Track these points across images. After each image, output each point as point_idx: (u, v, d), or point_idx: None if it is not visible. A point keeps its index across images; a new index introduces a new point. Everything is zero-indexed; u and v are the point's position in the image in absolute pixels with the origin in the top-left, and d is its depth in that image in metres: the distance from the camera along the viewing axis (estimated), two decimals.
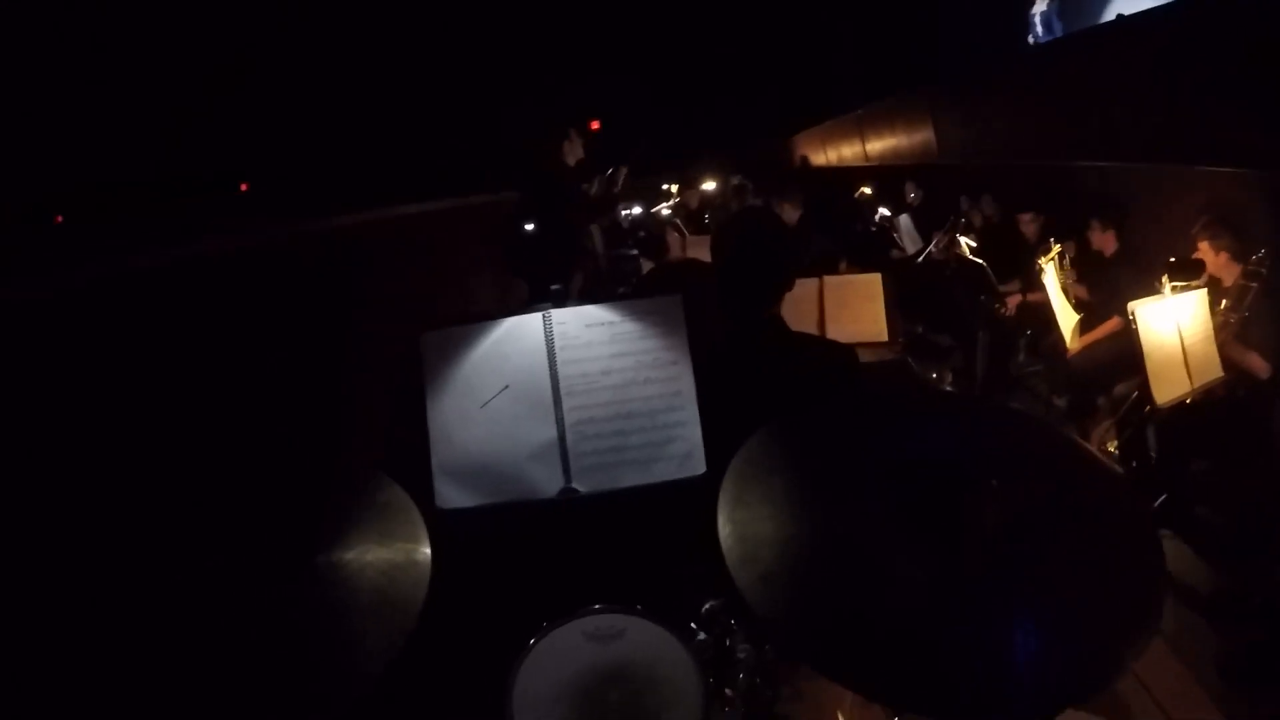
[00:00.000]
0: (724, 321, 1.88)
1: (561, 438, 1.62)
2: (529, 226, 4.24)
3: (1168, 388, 3.05)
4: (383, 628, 1.03)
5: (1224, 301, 3.39)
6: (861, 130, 11.96)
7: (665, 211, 8.66)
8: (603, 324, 1.67)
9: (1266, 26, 3.53)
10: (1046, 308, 4.44)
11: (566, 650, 1.30)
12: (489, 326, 1.67)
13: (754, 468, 1.17)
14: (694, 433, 1.61)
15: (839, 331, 3.52)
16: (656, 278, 3.45)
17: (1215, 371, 3.18)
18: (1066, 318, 4.32)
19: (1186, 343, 3.10)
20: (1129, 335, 3.11)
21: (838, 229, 6.69)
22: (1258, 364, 3.24)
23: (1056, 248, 4.48)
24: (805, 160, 14.55)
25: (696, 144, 13.35)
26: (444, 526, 1.43)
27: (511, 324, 1.68)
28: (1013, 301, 5.16)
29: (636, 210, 9.53)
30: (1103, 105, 5.20)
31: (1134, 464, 3.69)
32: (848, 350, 1.93)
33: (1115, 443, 3.96)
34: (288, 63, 17.72)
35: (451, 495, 1.58)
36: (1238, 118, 3.79)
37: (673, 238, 5.23)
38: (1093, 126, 5.33)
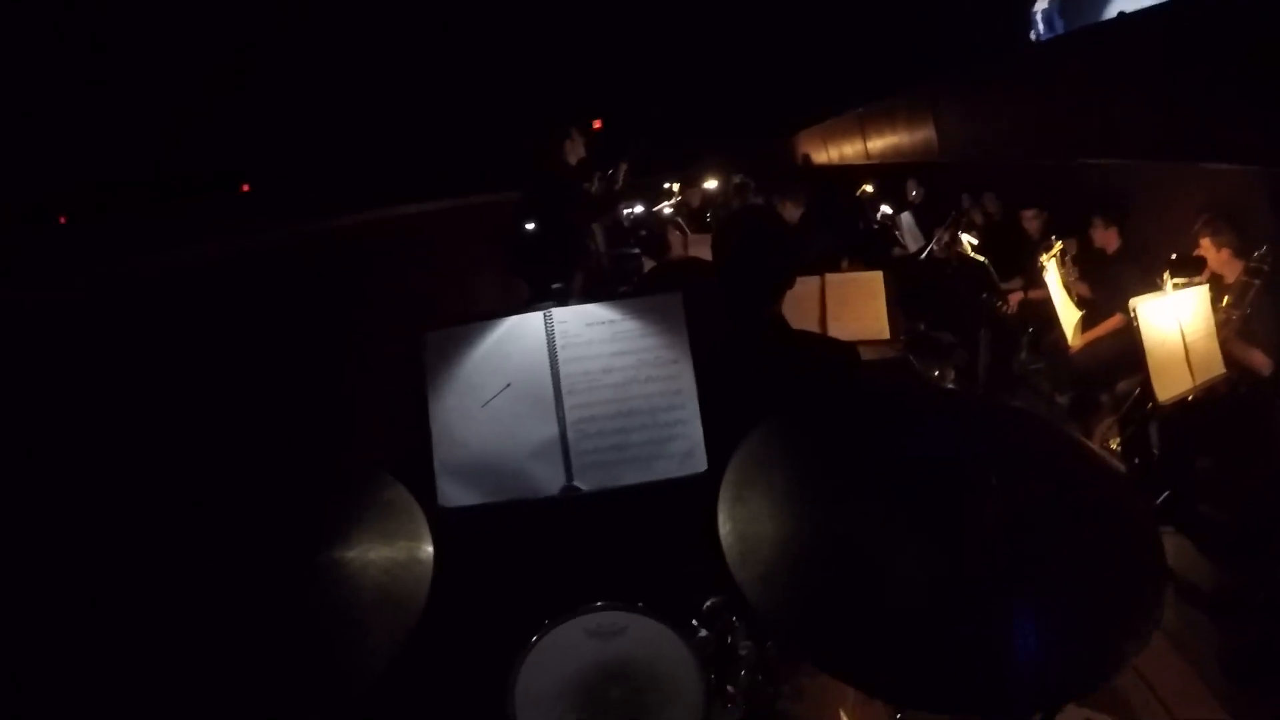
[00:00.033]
0: (725, 320, 1.89)
1: (563, 436, 1.62)
2: (530, 226, 4.24)
3: (1169, 385, 3.04)
4: (385, 625, 1.03)
5: (1226, 298, 3.39)
6: (863, 128, 11.95)
7: (667, 210, 8.65)
8: (604, 322, 1.67)
9: (1267, 23, 3.53)
10: (1048, 305, 4.44)
11: (568, 647, 1.30)
12: (491, 325, 1.68)
13: (754, 465, 1.17)
14: (695, 430, 1.62)
15: (841, 329, 3.52)
16: (658, 276, 3.45)
17: (1217, 368, 3.18)
18: (1068, 315, 4.32)
19: (1188, 340, 3.10)
20: (1131, 332, 3.11)
21: (840, 227, 6.69)
22: (1260, 361, 3.23)
23: (1058, 245, 4.48)
24: (807, 158, 14.55)
25: (698, 143, 13.34)
26: (446, 525, 1.44)
27: (513, 323, 1.68)
28: (1014, 299, 5.16)
29: (638, 209, 9.52)
30: (1104, 103, 5.20)
31: (1136, 461, 3.69)
32: (849, 348, 1.94)
33: (1118, 440, 3.96)
34: (288, 63, 17.73)
35: (454, 493, 1.58)
36: (1239, 115, 3.79)
37: (674, 236, 5.23)
38: (1094, 124, 5.32)
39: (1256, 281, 3.30)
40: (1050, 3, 8.66)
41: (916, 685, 0.93)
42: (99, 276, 2.13)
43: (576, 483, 1.60)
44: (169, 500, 1.28)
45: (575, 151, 4.54)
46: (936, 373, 5.18)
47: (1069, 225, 4.85)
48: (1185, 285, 3.21)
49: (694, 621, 1.38)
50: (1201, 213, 3.66)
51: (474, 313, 1.71)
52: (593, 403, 1.64)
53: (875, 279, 3.70)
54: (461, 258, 5.05)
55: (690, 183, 9.13)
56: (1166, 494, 3.43)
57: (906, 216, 7.02)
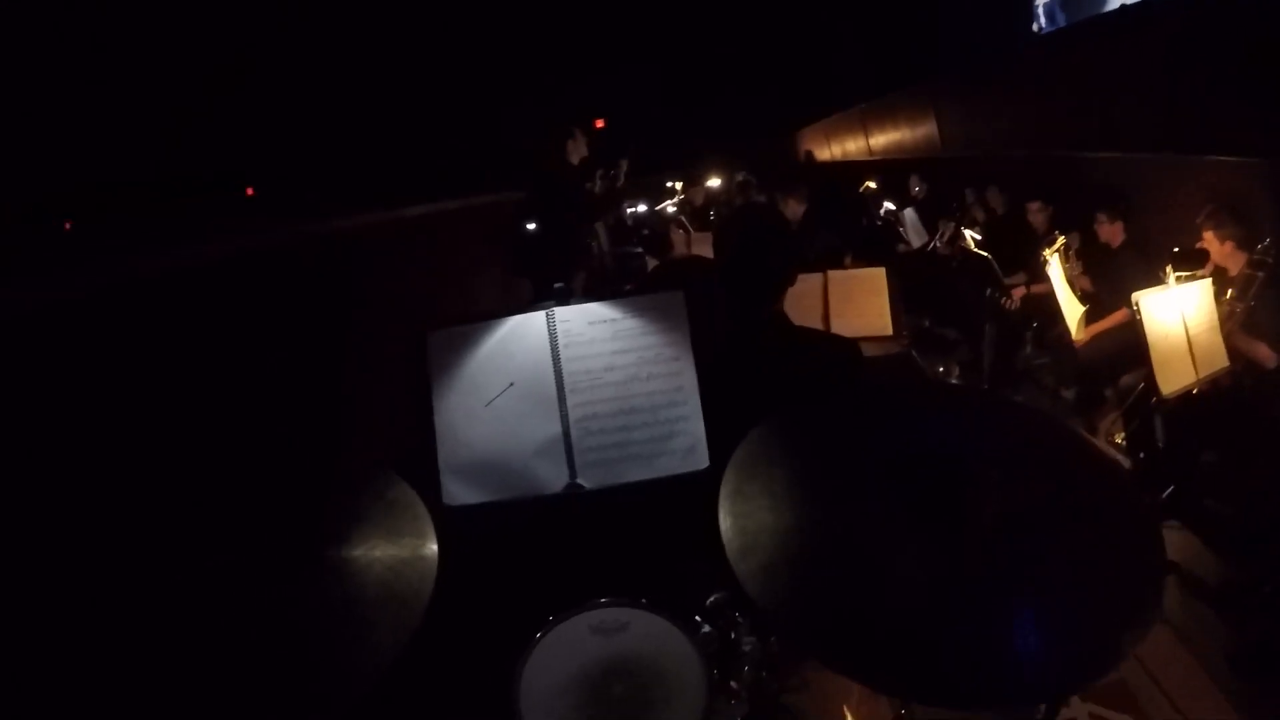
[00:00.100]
0: (727, 317, 1.89)
1: (566, 434, 1.63)
2: (531, 226, 4.26)
3: (1173, 378, 3.03)
4: (390, 623, 1.04)
5: (1230, 291, 3.38)
6: (865, 125, 11.95)
7: (670, 209, 8.64)
8: (605, 321, 1.68)
9: (1267, 19, 3.52)
10: (1051, 299, 4.43)
11: (572, 643, 1.31)
12: (493, 325, 1.69)
13: (755, 461, 1.18)
14: (697, 427, 1.62)
15: (844, 326, 3.53)
16: (660, 275, 3.46)
17: (1221, 361, 3.17)
18: (1071, 309, 4.31)
19: (1191, 333, 3.09)
20: (1134, 326, 3.11)
21: (843, 224, 6.69)
22: (1264, 353, 3.22)
23: (1061, 239, 4.47)
24: (810, 155, 14.54)
25: (701, 141, 13.34)
26: (451, 523, 1.45)
27: (515, 322, 1.69)
28: (1017, 293, 5.15)
29: (641, 208, 9.53)
30: (1105, 96, 5.19)
31: (1141, 455, 3.68)
32: (851, 345, 1.94)
33: (1122, 434, 3.95)
34: (289, 64, 17.76)
35: (458, 492, 1.59)
36: (1242, 107, 3.78)
37: (677, 235, 5.24)
38: (1095, 118, 5.32)
39: (1260, 274, 3.28)
40: None
41: (917, 679, 0.94)
42: (101, 277, 2.14)
43: (580, 480, 1.61)
44: (174, 499, 1.29)
45: (578, 151, 4.55)
46: (941, 369, 5.18)
47: (1074, 218, 4.84)
48: (1188, 278, 3.20)
49: (697, 617, 1.39)
50: (1205, 205, 3.65)
51: (477, 312, 1.72)
52: (595, 401, 1.64)
53: (878, 275, 3.71)
54: (463, 258, 5.06)
55: (693, 181, 9.12)
56: (1172, 488, 3.42)
57: (910, 212, 7.01)
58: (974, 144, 7.93)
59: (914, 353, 3.89)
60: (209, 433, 2.12)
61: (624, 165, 4.97)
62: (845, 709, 1.49)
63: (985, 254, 5.23)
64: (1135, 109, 4.82)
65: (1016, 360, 5.41)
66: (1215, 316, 3.18)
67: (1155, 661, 2.53)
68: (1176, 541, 3.26)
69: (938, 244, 6.14)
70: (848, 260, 5.05)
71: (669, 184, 10.24)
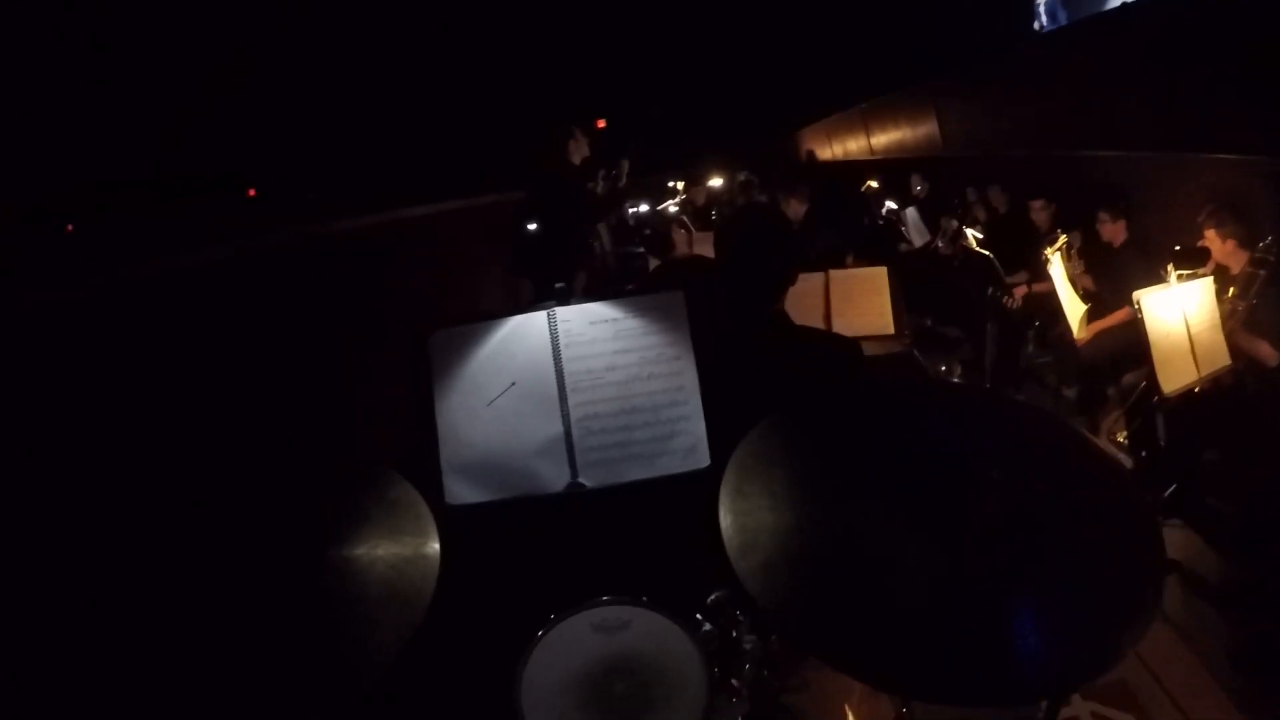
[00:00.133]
0: (729, 317, 1.90)
1: (568, 433, 1.63)
2: (532, 226, 4.26)
3: (1175, 376, 3.03)
4: (393, 621, 1.04)
5: (1231, 289, 3.38)
6: (866, 124, 11.94)
7: (672, 209, 8.64)
8: (606, 321, 1.69)
9: (1270, 12, 3.52)
10: (1053, 298, 4.43)
11: (574, 642, 1.31)
12: (495, 325, 1.69)
13: (755, 459, 1.18)
14: (698, 426, 1.63)
15: (845, 325, 3.53)
16: (662, 275, 3.46)
17: (1223, 360, 3.17)
18: (1073, 308, 4.31)
19: (1193, 331, 3.09)
20: (1137, 324, 3.10)
21: (844, 223, 6.68)
22: (1266, 351, 3.22)
23: (1063, 238, 4.47)
24: (811, 155, 14.54)
25: (702, 141, 13.34)
26: (453, 522, 1.46)
27: (517, 322, 1.69)
28: (1019, 292, 5.15)
29: (643, 208, 9.52)
30: (1106, 95, 5.19)
31: (1143, 454, 3.68)
32: (852, 344, 1.94)
33: (1124, 433, 3.95)
34: (289, 64, 17.77)
35: (460, 491, 1.59)
36: (1243, 105, 3.78)
37: (679, 235, 5.23)
38: (1096, 116, 5.31)
39: (1262, 272, 3.28)
40: None
41: (918, 677, 0.94)
42: (103, 278, 2.15)
43: (581, 479, 1.62)
44: (177, 499, 1.30)
45: (579, 151, 4.56)
46: (943, 367, 5.18)
47: (1076, 217, 4.84)
48: (1190, 277, 3.20)
49: (698, 616, 1.39)
50: (1206, 204, 3.65)
51: (478, 312, 1.73)
52: (596, 400, 1.65)
53: (879, 274, 3.71)
54: (465, 258, 5.07)
55: (695, 181, 9.12)
56: (1174, 487, 3.42)
57: (911, 211, 7.01)
58: (975, 143, 7.93)
59: (916, 352, 3.89)
60: (212, 432, 2.12)
61: (625, 166, 4.97)
62: (846, 708, 1.49)
63: (987, 253, 5.22)
64: (1136, 107, 4.82)
65: (1019, 359, 5.40)
66: (1217, 315, 3.18)
67: (1157, 660, 2.53)
68: (1178, 540, 3.26)
69: (939, 243, 6.13)
70: (849, 259, 5.05)
71: (671, 184, 10.24)
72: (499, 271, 5.17)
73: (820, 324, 3.58)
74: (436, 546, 1.15)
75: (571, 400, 1.65)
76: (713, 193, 9.34)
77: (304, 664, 1.00)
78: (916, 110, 9.51)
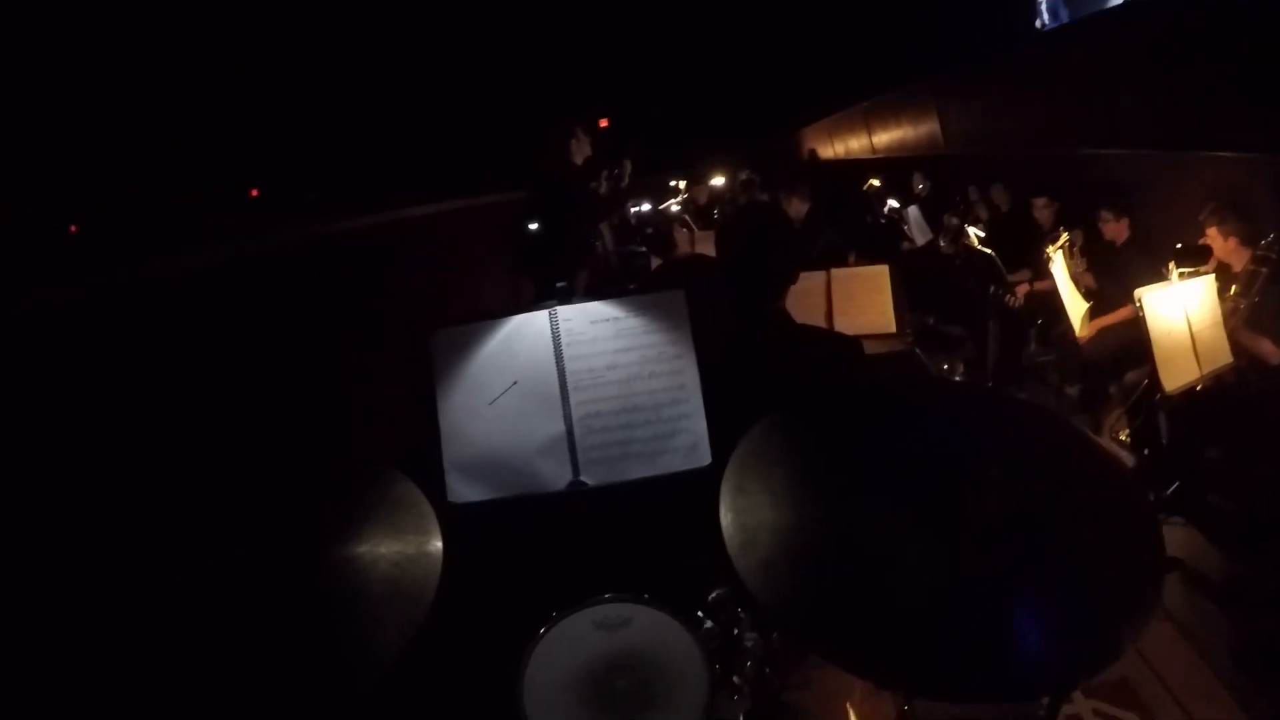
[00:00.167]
0: (730, 316, 1.90)
1: (569, 432, 1.64)
2: (533, 226, 4.26)
3: (1176, 374, 3.03)
4: (396, 618, 1.05)
5: (1233, 287, 3.37)
6: (868, 122, 11.93)
7: (674, 208, 8.65)
8: (607, 320, 1.69)
9: (1271, 9, 3.51)
10: (1055, 296, 4.42)
11: (576, 639, 1.32)
12: (497, 324, 1.70)
13: (756, 457, 1.19)
14: (699, 425, 1.64)
15: (847, 324, 3.53)
16: (663, 274, 3.47)
17: (1224, 358, 3.17)
18: (1075, 306, 4.31)
19: (1195, 329, 3.09)
20: (1139, 322, 3.10)
21: (846, 222, 6.68)
22: (1268, 349, 3.22)
23: (1064, 236, 4.47)
24: (813, 153, 14.52)
25: (704, 140, 13.34)
26: (456, 520, 1.46)
27: (519, 321, 1.70)
28: (1021, 291, 5.14)
29: (645, 207, 9.53)
30: (1107, 92, 5.18)
31: (1146, 452, 3.68)
32: (853, 342, 1.95)
33: (1127, 431, 3.95)
34: (292, 63, 17.78)
35: (462, 489, 1.60)
36: (1245, 102, 3.77)
37: (681, 234, 5.25)
38: (1098, 114, 5.30)
39: (1264, 270, 3.28)
40: None
41: (918, 673, 0.94)
42: (108, 278, 2.16)
43: (583, 478, 1.62)
44: (180, 498, 1.30)
45: (581, 150, 4.56)
46: (945, 366, 5.18)
47: (1079, 215, 4.83)
48: (1191, 275, 3.20)
49: (700, 613, 1.40)
50: (1208, 202, 3.65)
51: (480, 311, 1.74)
52: (598, 399, 1.66)
53: (881, 273, 3.71)
54: (468, 258, 5.08)
55: (697, 180, 9.12)
56: (1176, 485, 3.42)
57: (913, 210, 7.00)
58: (976, 142, 7.92)
59: (918, 350, 3.89)
60: (215, 432, 2.13)
61: (628, 166, 4.97)
62: (848, 706, 1.49)
63: (989, 251, 5.22)
64: (1138, 105, 4.81)
65: (1021, 357, 5.40)
66: (1218, 313, 3.18)
67: (1159, 658, 2.53)
68: (1180, 538, 3.26)
69: (942, 242, 6.13)
70: (851, 258, 5.04)
71: (672, 183, 10.24)
72: (500, 271, 5.18)
73: (822, 323, 3.59)
74: (439, 544, 1.15)
75: (573, 399, 1.65)
76: (715, 192, 9.34)
77: (307, 662, 1.01)
78: (918, 109, 9.51)
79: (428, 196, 5.63)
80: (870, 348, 1.99)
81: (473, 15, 18.18)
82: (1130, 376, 3.87)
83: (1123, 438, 4.00)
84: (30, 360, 1.74)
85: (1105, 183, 4.83)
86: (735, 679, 1.37)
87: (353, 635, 1.05)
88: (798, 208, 5.02)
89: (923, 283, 5.42)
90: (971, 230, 5.51)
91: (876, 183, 7.85)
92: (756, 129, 16.82)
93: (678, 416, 1.64)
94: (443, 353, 1.68)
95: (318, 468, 1.38)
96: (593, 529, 1.64)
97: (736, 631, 1.40)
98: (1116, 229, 4.44)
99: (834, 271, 3.73)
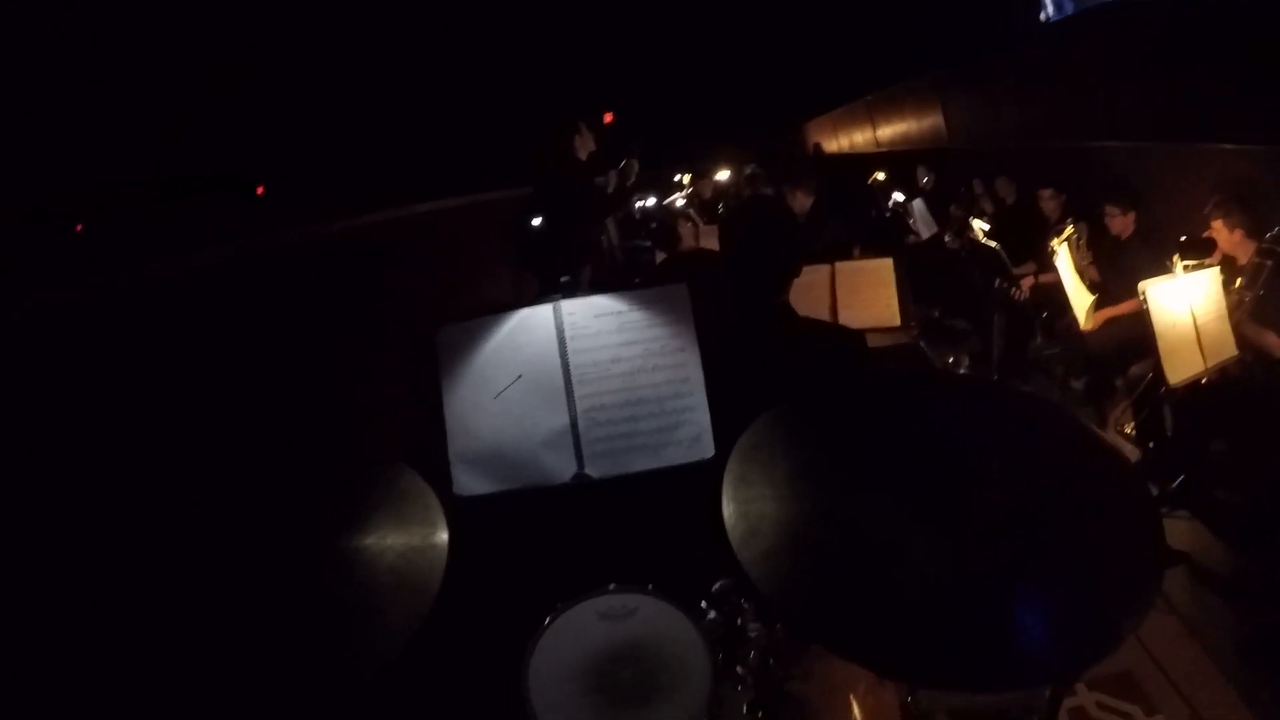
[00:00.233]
0: (733, 309, 1.91)
1: (574, 425, 1.65)
2: (536, 221, 4.27)
3: (1181, 367, 3.02)
4: (402, 609, 1.06)
5: (1239, 280, 3.36)
6: (872, 116, 11.92)
7: (680, 203, 8.64)
8: (611, 314, 1.70)
9: (1270, 6, 3.50)
10: (1060, 289, 4.41)
11: (580, 629, 1.33)
12: (501, 319, 1.71)
13: (758, 449, 1.19)
14: (702, 417, 1.64)
15: (851, 317, 3.53)
16: (668, 268, 3.48)
17: (1229, 351, 3.16)
18: (1080, 298, 4.29)
19: (1199, 322, 3.08)
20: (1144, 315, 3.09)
21: (851, 216, 6.67)
22: (1273, 342, 3.20)
23: (1069, 229, 4.45)
24: (818, 147, 14.50)
25: (708, 135, 13.32)
26: (461, 512, 1.47)
27: (523, 315, 1.71)
28: (1026, 283, 5.13)
29: (650, 201, 9.53)
30: (1111, 85, 5.17)
31: (1151, 445, 3.67)
32: (856, 336, 1.95)
33: (1132, 424, 3.94)
34: (292, 63, 17.79)
35: (468, 482, 1.62)
36: (1250, 94, 3.75)
37: (686, 228, 5.24)
38: (1101, 107, 5.29)
39: (1269, 262, 3.26)
40: None
41: (919, 662, 0.95)
42: (110, 278, 2.17)
43: (587, 470, 1.63)
44: (191, 491, 1.32)
45: (585, 146, 4.56)
46: (950, 359, 5.17)
47: (1081, 209, 4.82)
48: (1195, 267, 3.19)
49: (703, 604, 1.41)
50: (1213, 194, 3.63)
51: (485, 306, 1.75)
52: (602, 392, 1.67)
53: (885, 267, 3.71)
54: (472, 254, 5.09)
55: (702, 174, 9.12)
56: (1181, 478, 3.41)
57: (918, 203, 6.99)
58: (979, 135, 7.91)
59: (922, 344, 3.88)
60: (224, 427, 2.15)
61: (635, 166, 4.97)
62: (851, 698, 1.49)
63: (994, 244, 5.21)
64: (1142, 98, 4.80)
65: (1026, 350, 5.39)
66: (1223, 305, 3.17)
67: (1163, 651, 2.52)
68: (1185, 531, 3.25)
69: (947, 235, 6.13)
70: (856, 252, 5.04)
71: (677, 178, 10.24)
72: (503, 268, 5.18)
73: (826, 316, 3.58)
74: (445, 536, 1.16)
75: (577, 392, 1.66)
76: (719, 186, 9.34)
77: (313, 652, 1.02)
78: (921, 103, 9.49)
79: (429, 194, 5.64)
80: (875, 341, 1.99)
81: (475, 13, 18.16)
82: (1135, 370, 3.86)
83: (1128, 431, 3.99)
84: (31, 360, 1.75)
85: (1111, 177, 4.81)
86: (739, 670, 1.37)
87: (359, 626, 1.06)
88: (802, 201, 5.00)
89: (927, 276, 5.43)
90: (976, 223, 5.50)
91: (881, 176, 7.84)
92: (760, 124, 16.78)
93: (681, 409, 1.65)
94: (448, 348, 1.69)
95: (325, 461, 1.39)
96: (597, 521, 1.65)
97: (740, 622, 1.40)
98: (1123, 223, 4.42)
99: (838, 265, 3.73)
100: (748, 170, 9.01)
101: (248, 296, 2.55)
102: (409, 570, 1.12)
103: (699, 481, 1.43)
